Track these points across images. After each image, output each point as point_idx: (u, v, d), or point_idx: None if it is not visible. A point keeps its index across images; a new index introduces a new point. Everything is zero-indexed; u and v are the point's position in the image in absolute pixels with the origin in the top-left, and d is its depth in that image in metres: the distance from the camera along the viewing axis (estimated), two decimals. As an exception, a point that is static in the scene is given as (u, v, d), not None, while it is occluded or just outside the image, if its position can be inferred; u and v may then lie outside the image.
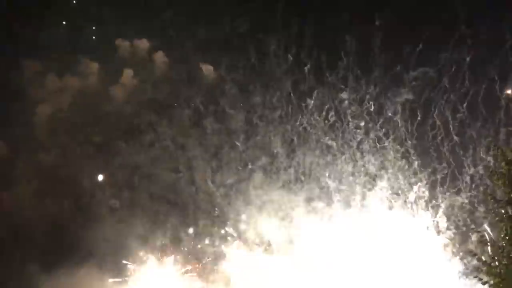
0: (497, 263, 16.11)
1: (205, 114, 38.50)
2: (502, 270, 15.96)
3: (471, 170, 39.52)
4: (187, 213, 40.80)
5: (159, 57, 43.77)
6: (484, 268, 16.18)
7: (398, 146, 39.68)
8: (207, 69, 42.50)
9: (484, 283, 16.24)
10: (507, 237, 16.01)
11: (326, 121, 38.31)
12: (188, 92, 39.56)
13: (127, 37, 43.41)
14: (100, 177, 40.32)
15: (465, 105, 37.14)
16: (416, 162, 40.00)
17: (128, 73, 43.02)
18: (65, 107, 41.69)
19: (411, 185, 40.61)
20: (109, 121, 41.04)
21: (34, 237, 39.00)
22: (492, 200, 16.43)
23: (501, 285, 15.83)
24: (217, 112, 38.47)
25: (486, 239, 17.53)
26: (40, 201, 39.78)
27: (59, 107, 41.60)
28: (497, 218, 16.34)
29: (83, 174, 38.90)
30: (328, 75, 37.80)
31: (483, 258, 16.26)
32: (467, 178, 39.95)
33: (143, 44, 44.03)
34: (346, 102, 38.21)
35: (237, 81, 38.39)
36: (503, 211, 16.12)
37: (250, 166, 40.08)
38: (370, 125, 39.16)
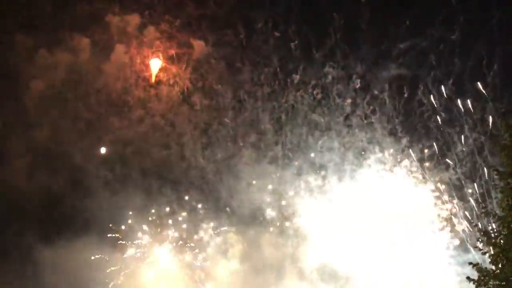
0: (497, 233, 16.30)
1: (194, 90, 38.93)
2: (502, 241, 16.16)
3: (459, 148, 40.10)
4: (180, 188, 41.58)
5: (150, 32, 43.65)
6: (484, 239, 16.46)
7: (385, 123, 40.18)
8: (198, 44, 42.49)
9: (484, 254, 16.76)
10: (508, 208, 16.16)
11: (313, 98, 38.67)
12: (178, 68, 39.79)
13: (118, 13, 43.23)
14: (103, 150, 40.74)
15: (451, 81, 37.40)
16: (404, 139, 40.54)
17: (119, 49, 43.10)
18: (57, 83, 41.95)
19: (399, 161, 41.25)
20: (100, 97, 41.39)
21: (30, 210, 39.93)
22: (495, 172, 16.70)
23: (500, 255, 15.99)
24: (205, 88, 38.89)
25: (491, 211, 17.42)
26: (34, 176, 40.54)
27: (51, 83, 41.89)
28: (498, 189, 16.63)
29: (75, 149, 39.52)
30: (315, 52, 38.03)
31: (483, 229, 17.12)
32: (456, 155, 40.66)
33: (134, 19, 43.87)
34: (333, 78, 38.52)
35: (225, 57, 38.67)
36: (503, 183, 16.36)
37: (241, 144, 40.74)
38: (358, 101, 39.60)
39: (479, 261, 17.89)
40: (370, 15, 36.88)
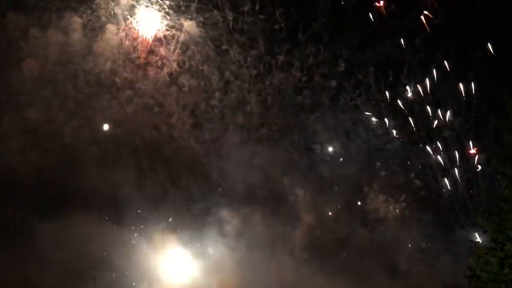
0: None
1: (182, 71, 39.46)
2: (503, 219, 16.34)
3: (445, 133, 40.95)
4: (171, 168, 42.35)
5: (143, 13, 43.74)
6: (485, 215, 16.53)
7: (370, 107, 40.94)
8: (188, 25, 42.70)
9: (485, 231, 16.80)
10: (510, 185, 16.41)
11: (299, 81, 39.22)
12: (167, 50, 40.22)
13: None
14: (106, 127, 41.45)
15: (434, 66, 37.85)
16: (388, 123, 41.32)
17: (110, 29, 43.31)
18: (48, 62, 42.29)
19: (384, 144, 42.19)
20: (91, 77, 41.86)
21: (26, 187, 40.66)
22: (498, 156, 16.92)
23: (501, 233, 16.12)
24: (192, 69, 39.41)
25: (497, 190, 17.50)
26: (27, 154, 41.21)
27: (43, 63, 42.22)
28: (500, 168, 16.76)
29: (66, 128, 40.13)
30: (301, 35, 38.36)
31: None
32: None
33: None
34: (319, 61, 39.03)
35: (213, 39, 39.06)
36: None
37: (230, 126, 41.43)
38: (343, 84, 40.22)
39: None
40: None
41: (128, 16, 43.28)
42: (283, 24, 38.34)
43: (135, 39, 42.15)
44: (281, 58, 39.31)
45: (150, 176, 42.07)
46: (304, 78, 39.44)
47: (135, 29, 42.58)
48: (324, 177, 43.35)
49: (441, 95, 39.89)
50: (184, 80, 40.08)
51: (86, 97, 40.98)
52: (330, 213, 44.13)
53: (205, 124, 41.34)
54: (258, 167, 43.12)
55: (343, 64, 39.22)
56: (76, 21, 43.09)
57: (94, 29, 42.72)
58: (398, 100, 40.52)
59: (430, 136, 42.22)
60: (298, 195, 43.50)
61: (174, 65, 39.87)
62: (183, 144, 42.13)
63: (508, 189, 16.33)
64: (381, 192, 43.09)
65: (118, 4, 43.01)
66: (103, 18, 42.61)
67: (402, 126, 41.36)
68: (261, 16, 38.48)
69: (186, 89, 40.13)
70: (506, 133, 17.08)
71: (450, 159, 42.35)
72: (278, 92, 40.14)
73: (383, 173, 43.40)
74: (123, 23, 43.57)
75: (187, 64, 39.85)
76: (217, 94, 40.10)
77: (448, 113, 40.33)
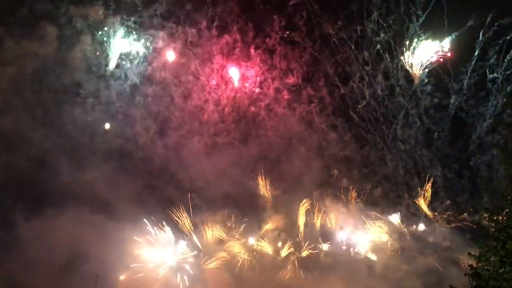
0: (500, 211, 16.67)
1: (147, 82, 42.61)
2: (504, 217, 16.53)
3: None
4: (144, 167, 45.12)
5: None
6: (487, 215, 16.73)
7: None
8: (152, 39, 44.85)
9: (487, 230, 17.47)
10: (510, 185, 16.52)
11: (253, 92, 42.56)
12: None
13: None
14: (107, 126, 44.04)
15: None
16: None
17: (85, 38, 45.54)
18: (24, 71, 44.21)
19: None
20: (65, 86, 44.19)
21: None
22: (499, 151, 17.55)
23: (502, 231, 16.35)
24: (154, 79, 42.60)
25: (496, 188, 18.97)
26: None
27: (19, 71, 44.12)
28: (502, 167, 17.28)
29: (37, 134, 42.46)
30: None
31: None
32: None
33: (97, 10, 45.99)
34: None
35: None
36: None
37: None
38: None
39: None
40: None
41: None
42: (238, 38, 41.54)
43: (104, 51, 44.38)
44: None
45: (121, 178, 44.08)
46: (257, 90, 42.88)
47: (105, 41, 44.78)
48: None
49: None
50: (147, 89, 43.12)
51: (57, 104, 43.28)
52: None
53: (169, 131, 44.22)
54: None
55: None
56: (52, 31, 44.70)
57: (67, 40, 44.22)
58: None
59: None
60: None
61: (138, 75, 42.86)
62: (149, 149, 44.64)
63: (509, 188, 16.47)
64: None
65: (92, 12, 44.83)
66: (76, 31, 44.33)
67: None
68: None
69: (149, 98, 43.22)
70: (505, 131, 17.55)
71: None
72: (234, 102, 43.34)
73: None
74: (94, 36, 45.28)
75: (151, 74, 42.92)
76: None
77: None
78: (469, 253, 16.87)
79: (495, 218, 16.40)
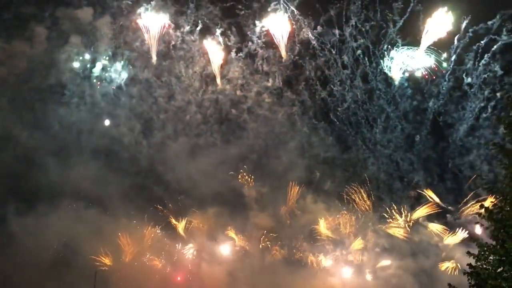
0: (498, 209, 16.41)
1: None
2: (504, 216, 16.29)
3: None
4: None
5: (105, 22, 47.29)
6: (486, 214, 16.44)
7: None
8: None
9: (486, 229, 16.87)
10: (510, 184, 16.38)
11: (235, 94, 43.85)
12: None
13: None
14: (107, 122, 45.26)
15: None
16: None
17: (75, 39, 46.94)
18: (13, 71, 45.58)
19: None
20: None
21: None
22: (498, 149, 16.92)
23: (502, 231, 16.18)
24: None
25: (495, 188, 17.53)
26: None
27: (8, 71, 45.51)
28: (502, 166, 16.85)
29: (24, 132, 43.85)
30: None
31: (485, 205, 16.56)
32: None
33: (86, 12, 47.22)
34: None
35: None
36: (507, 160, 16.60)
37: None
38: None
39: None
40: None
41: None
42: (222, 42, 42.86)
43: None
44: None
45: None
46: (238, 92, 44.12)
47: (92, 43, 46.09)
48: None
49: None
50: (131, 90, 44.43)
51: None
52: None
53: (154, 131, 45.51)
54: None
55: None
56: (41, 32, 46.05)
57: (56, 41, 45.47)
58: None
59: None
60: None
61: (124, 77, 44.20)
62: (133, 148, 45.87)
63: (509, 187, 16.42)
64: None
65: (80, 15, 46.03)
66: (65, 32, 45.61)
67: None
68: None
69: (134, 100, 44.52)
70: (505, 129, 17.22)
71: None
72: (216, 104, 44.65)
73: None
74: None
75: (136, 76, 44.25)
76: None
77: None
78: (468, 252, 16.89)
79: (494, 217, 16.28)
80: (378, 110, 45.98)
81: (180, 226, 44.75)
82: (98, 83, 44.23)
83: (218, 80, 44.13)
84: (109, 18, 44.82)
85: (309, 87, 44.72)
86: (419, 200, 45.89)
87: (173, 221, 44.62)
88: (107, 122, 45.48)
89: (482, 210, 16.49)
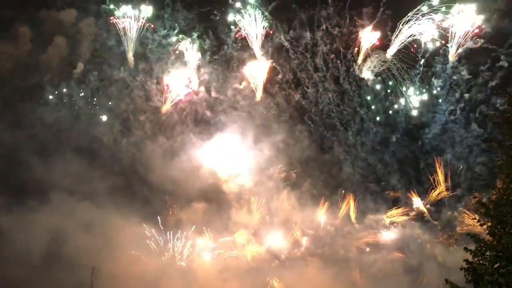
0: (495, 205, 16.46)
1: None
2: (500, 213, 16.33)
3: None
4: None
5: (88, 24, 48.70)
6: (483, 210, 16.54)
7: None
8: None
9: (482, 225, 16.88)
10: (507, 180, 16.47)
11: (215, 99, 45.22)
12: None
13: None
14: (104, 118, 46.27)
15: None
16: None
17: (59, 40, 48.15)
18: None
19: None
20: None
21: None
22: (496, 145, 17.00)
23: (498, 226, 16.31)
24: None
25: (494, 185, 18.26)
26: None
27: None
28: (499, 162, 16.85)
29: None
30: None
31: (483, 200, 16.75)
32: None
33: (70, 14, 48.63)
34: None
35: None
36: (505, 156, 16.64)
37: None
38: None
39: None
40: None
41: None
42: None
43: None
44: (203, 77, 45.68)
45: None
46: (221, 97, 45.59)
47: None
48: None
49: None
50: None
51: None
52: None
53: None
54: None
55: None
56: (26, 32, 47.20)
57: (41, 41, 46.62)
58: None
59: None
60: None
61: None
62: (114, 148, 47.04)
63: (504, 182, 16.46)
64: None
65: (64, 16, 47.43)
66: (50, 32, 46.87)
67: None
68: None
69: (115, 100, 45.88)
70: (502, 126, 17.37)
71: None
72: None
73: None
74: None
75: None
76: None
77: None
78: (465, 248, 16.72)
79: (491, 213, 16.32)
80: (351, 112, 47.17)
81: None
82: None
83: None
84: (92, 19, 46.19)
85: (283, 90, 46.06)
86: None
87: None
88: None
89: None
